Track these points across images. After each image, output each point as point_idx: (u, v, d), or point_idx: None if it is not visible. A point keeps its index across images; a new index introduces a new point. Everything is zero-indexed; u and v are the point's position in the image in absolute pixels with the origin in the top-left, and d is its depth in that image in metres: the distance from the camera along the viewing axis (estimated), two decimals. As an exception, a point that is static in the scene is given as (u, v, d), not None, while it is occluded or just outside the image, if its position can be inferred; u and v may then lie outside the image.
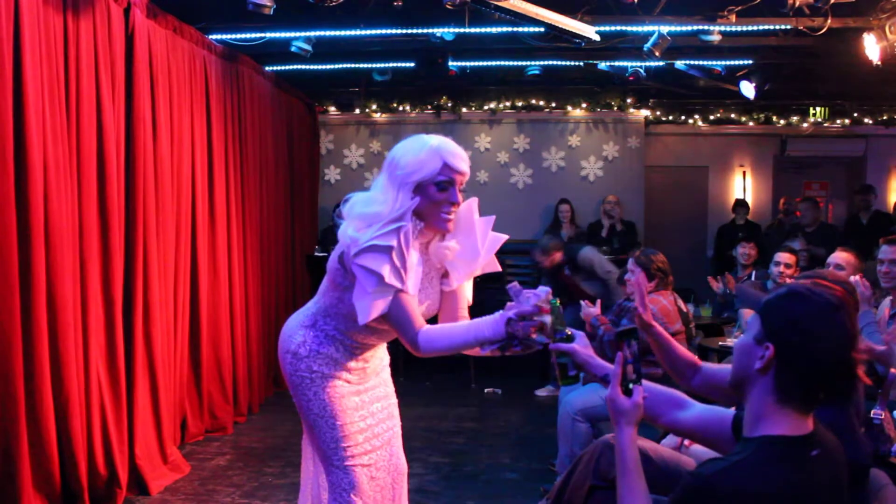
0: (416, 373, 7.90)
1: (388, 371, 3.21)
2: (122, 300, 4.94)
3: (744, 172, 11.13)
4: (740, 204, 10.51)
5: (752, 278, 6.71)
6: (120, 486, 4.71)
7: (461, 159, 2.77)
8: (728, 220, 10.49)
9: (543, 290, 2.57)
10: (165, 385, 5.38)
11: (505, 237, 3.01)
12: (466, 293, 3.05)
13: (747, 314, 5.89)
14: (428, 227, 2.82)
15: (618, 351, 2.36)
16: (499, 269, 3.05)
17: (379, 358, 3.12)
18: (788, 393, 1.99)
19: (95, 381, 4.64)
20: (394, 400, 3.19)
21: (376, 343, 3.01)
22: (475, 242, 2.92)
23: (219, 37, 6.62)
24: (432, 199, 2.74)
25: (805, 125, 10.76)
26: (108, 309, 4.81)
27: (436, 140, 2.80)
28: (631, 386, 2.29)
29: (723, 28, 6.27)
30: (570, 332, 2.51)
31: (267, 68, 7.77)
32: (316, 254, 9.14)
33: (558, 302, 2.50)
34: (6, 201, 3.96)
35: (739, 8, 6.07)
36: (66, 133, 4.48)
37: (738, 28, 6.38)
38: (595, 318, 5.17)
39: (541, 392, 7.54)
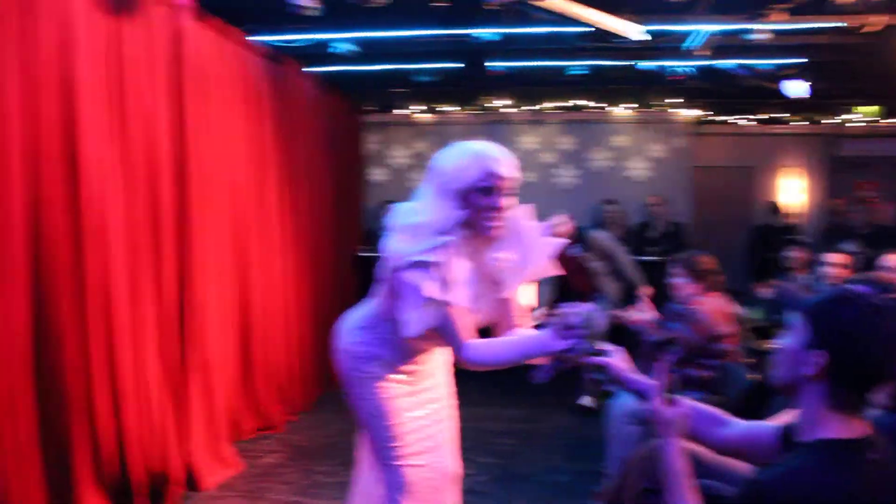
0: (465, 372, 7.89)
1: (447, 372, 3.20)
2: (175, 300, 5.01)
3: (793, 173, 10.99)
4: (774, 207, 10.39)
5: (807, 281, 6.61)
6: (175, 483, 4.78)
7: (504, 164, 2.75)
8: (769, 221, 10.39)
9: (585, 309, 2.56)
10: (219, 384, 5.45)
11: (562, 241, 3.01)
12: (528, 298, 3.03)
13: None
14: (475, 235, 2.81)
15: (658, 361, 2.34)
16: (557, 272, 3.03)
17: (436, 359, 3.12)
18: (843, 398, 1.98)
19: (150, 379, 4.71)
20: (451, 402, 3.19)
21: (432, 348, 3.02)
22: (529, 250, 2.91)
23: (264, 39, 6.68)
24: (476, 205, 2.73)
25: (856, 124, 10.59)
26: (161, 308, 4.88)
27: (479, 145, 2.79)
28: (674, 396, 2.26)
29: (771, 26, 6.20)
30: (604, 347, 2.48)
31: (311, 70, 7.81)
32: (361, 253, 9.18)
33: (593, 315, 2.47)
34: (60, 203, 4.03)
35: (789, 6, 5.99)
36: (117, 135, 4.55)
37: (788, 26, 6.30)
38: (642, 323, 5.14)
39: (584, 401, 7.37)
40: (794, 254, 6.91)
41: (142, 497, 4.55)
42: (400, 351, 2.97)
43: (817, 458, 1.95)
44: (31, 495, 3.84)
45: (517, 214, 2.90)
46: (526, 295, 3.05)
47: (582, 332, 2.50)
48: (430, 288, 2.66)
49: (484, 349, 2.71)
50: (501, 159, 2.76)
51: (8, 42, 3.71)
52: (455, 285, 2.71)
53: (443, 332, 2.74)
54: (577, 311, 2.54)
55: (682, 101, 10.19)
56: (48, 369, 4.03)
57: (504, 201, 2.76)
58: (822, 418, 2.00)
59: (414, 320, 2.72)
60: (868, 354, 1.95)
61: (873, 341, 1.95)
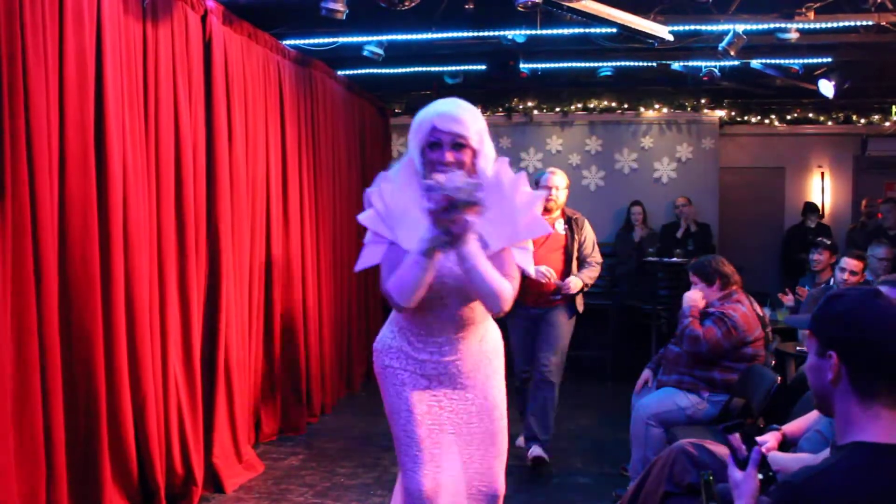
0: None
1: (489, 382, 3.01)
2: (198, 302, 5.03)
3: (822, 173, 10.87)
4: (811, 208, 10.23)
5: (831, 283, 6.51)
6: (196, 484, 4.80)
7: (447, 118, 2.77)
8: (803, 222, 10.26)
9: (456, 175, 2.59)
10: (240, 386, 5.47)
11: (542, 194, 2.95)
12: (518, 262, 2.91)
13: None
14: None
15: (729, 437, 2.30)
16: (549, 230, 2.94)
17: (470, 361, 2.97)
18: (869, 390, 1.96)
19: (172, 382, 4.74)
20: (493, 415, 2.99)
21: (433, 321, 2.90)
22: (507, 202, 2.83)
23: (292, 42, 6.71)
24: (427, 160, 2.80)
25: (887, 124, 10.46)
26: (184, 310, 4.90)
27: (438, 102, 2.85)
28: (748, 462, 2.22)
29: (800, 25, 6.13)
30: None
31: (339, 72, 7.85)
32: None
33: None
34: (88, 206, 4.06)
35: (818, 5, 5.93)
36: (145, 139, 4.58)
37: (817, 25, 6.23)
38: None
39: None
40: (817, 256, 6.81)
41: (163, 499, 4.57)
42: (413, 335, 2.93)
43: (850, 460, 1.93)
44: (57, 495, 3.87)
45: (493, 170, 2.85)
46: (519, 258, 2.92)
47: (449, 190, 2.51)
48: (365, 216, 2.83)
49: (398, 273, 2.73)
50: (445, 113, 2.78)
51: (41, 46, 3.74)
52: (398, 225, 2.79)
53: (381, 269, 2.80)
54: (441, 180, 2.56)
55: (709, 101, 10.12)
56: (75, 371, 4.06)
57: (451, 155, 2.77)
58: (857, 419, 1.97)
59: (363, 255, 2.84)
60: (873, 335, 1.95)
61: (874, 322, 1.95)
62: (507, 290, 2.77)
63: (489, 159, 2.85)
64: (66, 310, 4.00)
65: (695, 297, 5.02)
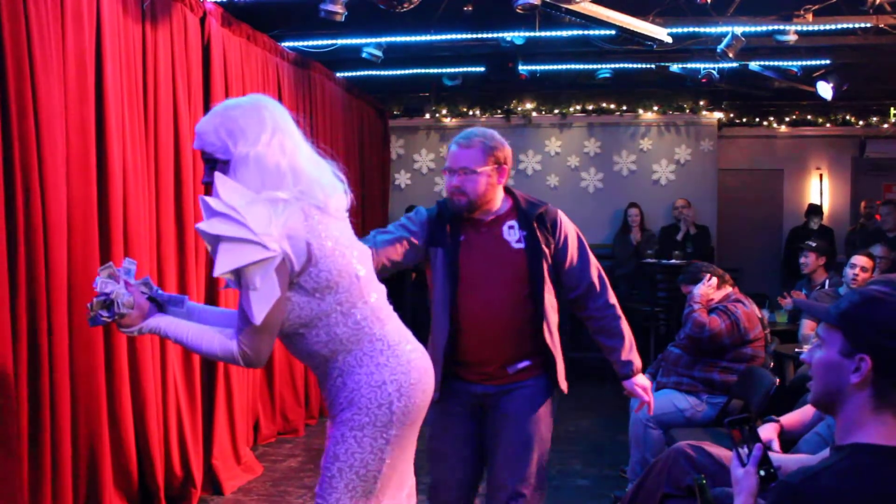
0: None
1: (342, 416, 2.52)
2: (199, 303, 5.02)
3: (820, 175, 10.87)
4: (814, 210, 10.21)
5: (826, 286, 6.52)
6: (195, 486, 4.80)
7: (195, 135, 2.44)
8: (806, 224, 10.24)
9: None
10: (239, 387, 5.46)
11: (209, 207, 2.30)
12: (245, 305, 2.37)
13: (808, 325, 5.76)
14: None
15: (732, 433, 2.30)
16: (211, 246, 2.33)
17: (330, 398, 2.60)
18: (888, 398, 1.92)
19: (172, 383, 4.73)
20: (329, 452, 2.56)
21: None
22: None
23: (291, 44, 6.72)
24: None
25: (885, 126, 10.46)
26: (184, 311, 4.90)
27: None
28: (746, 459, 2.23)
29: (799, 28, 6.14)
30: None
31: (338, 74, 7.85)
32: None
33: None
34: (88, 206, 4.06)
35: (816, 7, 5.94)
36: (145, 139, 4.59)
37: (816, 27, 6.24)
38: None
39: None
40: (804, 259, 6.82)
41: (163, 500, 4.57)
42: None
43: (850, 460, 1.91)
44: (61, 497, 3.87)
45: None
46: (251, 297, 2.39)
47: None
48: None
49: None
50: None
51: (47, 48, 3.74)
52: None
53: None
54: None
55: (708, 103, 10.13)
56: (75, 372, 4.05)
57: (206, 176, 2.43)
58: (864, 421, 1.94)
59: None
60: None
61: None
62: (222, 346, 2.43)
63: (265, 166, 2.42)
64: (70, 312, 4.00)
65: (706, 289, 5.04)
